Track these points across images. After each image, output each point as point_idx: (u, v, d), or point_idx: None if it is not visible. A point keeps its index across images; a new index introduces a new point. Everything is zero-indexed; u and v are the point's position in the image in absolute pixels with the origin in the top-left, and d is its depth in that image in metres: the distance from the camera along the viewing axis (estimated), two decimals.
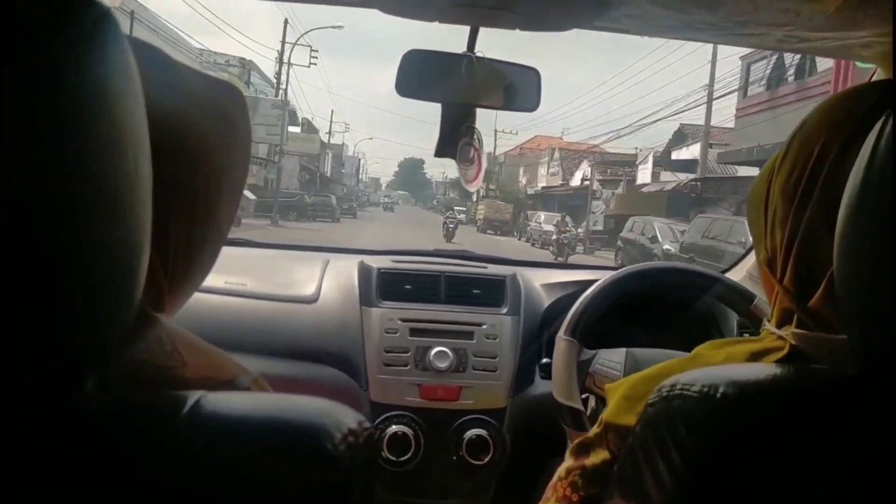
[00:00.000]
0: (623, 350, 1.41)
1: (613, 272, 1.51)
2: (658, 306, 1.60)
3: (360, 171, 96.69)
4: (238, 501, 0.41)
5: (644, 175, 30.18)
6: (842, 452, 0.53)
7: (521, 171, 53.82)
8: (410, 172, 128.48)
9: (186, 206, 0.59)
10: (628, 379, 0.78)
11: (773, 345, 0.68)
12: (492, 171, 50.82)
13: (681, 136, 30.89)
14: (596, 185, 31.26)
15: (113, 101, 0.39)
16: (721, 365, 0.69)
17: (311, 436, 0.43)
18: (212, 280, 1.68)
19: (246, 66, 34.61)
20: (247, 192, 27.46)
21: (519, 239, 33.95)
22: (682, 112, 28.96)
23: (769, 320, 0.73)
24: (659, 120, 28.46)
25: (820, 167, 0.64)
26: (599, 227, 28.63)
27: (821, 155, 0.64)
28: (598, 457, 0.77)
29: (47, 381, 0.40)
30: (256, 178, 33.78)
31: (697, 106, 23.50)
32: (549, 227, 27.58)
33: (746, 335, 1.63)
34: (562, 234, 22.62)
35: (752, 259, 1.82)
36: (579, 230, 27.02)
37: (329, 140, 56.98)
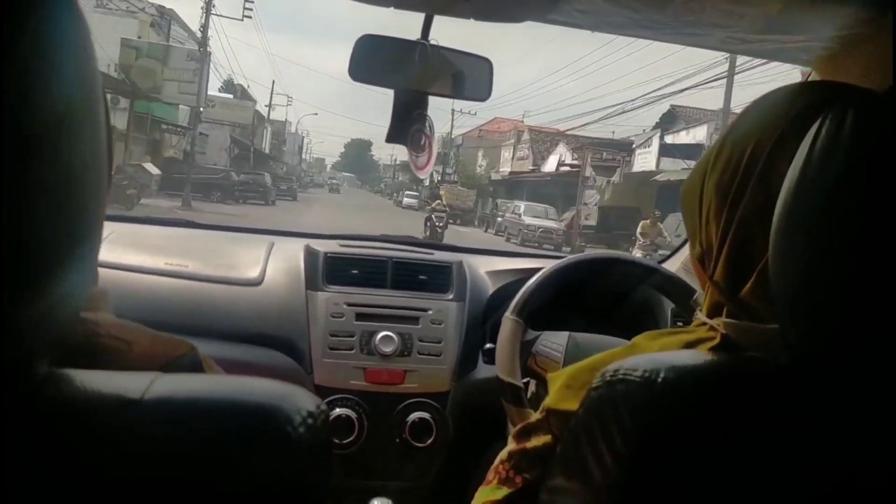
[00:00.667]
0: (566, 333, 1.46)
1: (558, 260, 1.55)
2: (599, 294, 1.65)
3: (304, 150, 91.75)
4: (198, 485, 0.41)
5: (645, 161, 25.27)
6: (774, 436, 0.57)
7: (481, 154, 49.20)
8: (357, 154, 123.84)
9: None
10: (570, 368, 0.80)
11: (706, 335, 0.71)
12: (448, 153, 49.00)
13: (671, 118, 26.82)
14: (588, 172, 26.41)
15: (80, 99, 0.39)
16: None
17: (270, 418, 0.44)
18: (151, 261, 1.66)
19: (165, 15, 29.52)
20: (148, 165, 23.44)
21: (486, 230, 30.96)
22: (672, 96, 26.14)
23: (700, 311, 0.76)
24: (648, 103, 26.16)
25: (753, 165, 0.67)
26: (592, 222, 24.23)
27: (754, 153, 0.67)
28: (541, 440, 0.79)
29: (3, 369, 0.39)
30: (176, 149, 30.27)
31: (687, 89, 20.25)
32: (535, 221, 24.23)
33: (680, 323, 1.70)
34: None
35: (687, 251, 1.89)
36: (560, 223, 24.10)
37: (269, 114, 51.76)
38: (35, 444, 0.40)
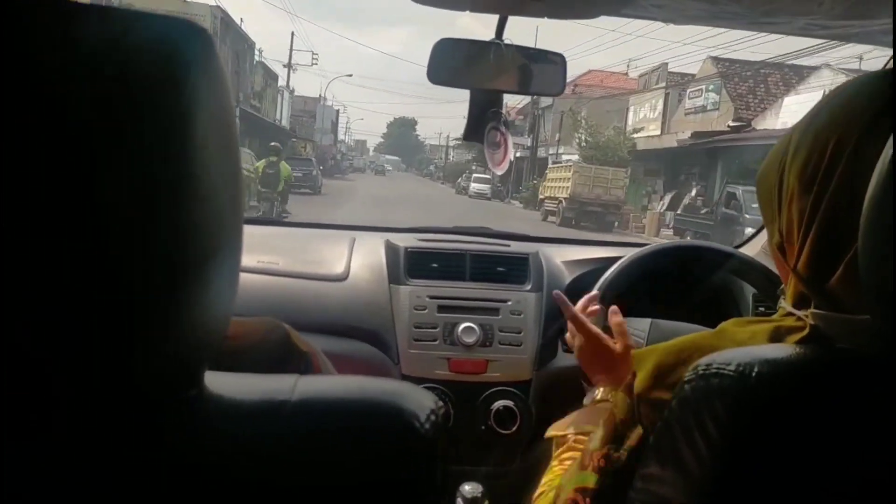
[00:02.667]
0: (648, 320, 1.48)
1: (637, 248, 1.56)
2: (680, 281, 1.66)
3: (342, 128, 76.65)
4: (341, 478, 0.46)
5: None
6: (869, 428, 0.58)
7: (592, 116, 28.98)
8: (401, 134, 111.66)
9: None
10: (656, 348, 0.80)
11: (795, 325, 0.72)
12: (536, 116, 37.75)
13: None
14: None
15: (215, 118, 0.44)
16: (745, 343, 0.73)
17: (401, 416, 0.49)
18: (245, 259, 1.74)
19: None
20: None
21: None
22: None
23: (785, 299, 0.76)
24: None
25: (839, 155, 0.66)
26: None
27: (840, 142, 0.66)
28: (631, 429, 0.81)
29: (170, 379, 0.45)
30: None
31: None
32: None
33: (762, 309, 1.69)
34: None
35: (763, 236, 1.87)
36: None
37: (289, 78, 39.61)
38: (200, 449, 0.46)
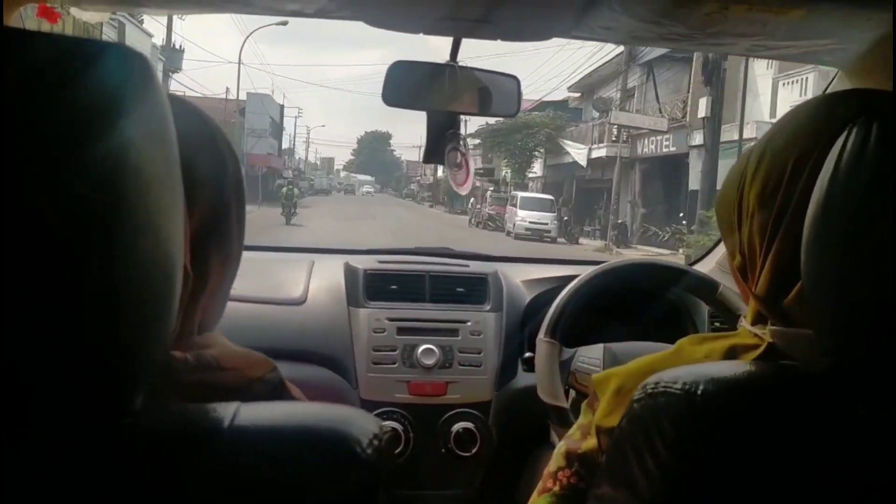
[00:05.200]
0: (601, 346, 1.49)
1: (589, 269, 1.57)
2: (632, 300, 1.67)
3: (302, 140, 65.32)
4: None
5: None
6: (814, 443, 0.59)
7: None
8: (374, 150, 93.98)
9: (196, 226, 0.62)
10: (616, 372, 0.81)
11: (751, 341, 0.72)
12: None
13: None
14: None
15: (155, 138, 0.43)
16: (701, 361, 0.74)
17: (342, 442, 0.48)
18: None
19: None
20: None
21: None
22: None
23: (744, 317, 0.77)
24: None
25: (797, 176, 0.67)
26: None
27: (797, 164, 0.67)
28: (591, 447, 0.81)
29: (98, 405, 0.44)
30: None
31: None
32: None
33: (717, 324, 1.71)
34: None
35: (721, 250, 1.90)
36: None
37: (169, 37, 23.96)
38: (132, 473, 0.45)
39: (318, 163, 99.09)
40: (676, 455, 0.59)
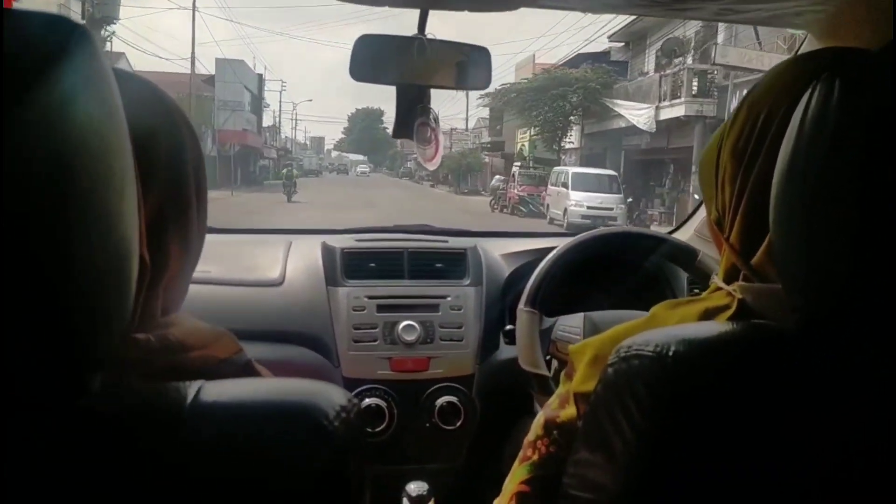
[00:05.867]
0: (581, 315, 1.49)
1: (567, 239, 1.58)
2: (612, 269, 1.68)
3: (288, 118, 61.32)
4: (245, 483, 0.45)
5: None
6: (784, 400, 0.59)
7: None
8: (366, 128, 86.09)
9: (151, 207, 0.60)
10: (591, 342, 0.82)
11: (723, 302, 0.73)
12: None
13: None
14: None
15: (99, 114, 0.42)
16: (674, 325, 0.74)
17: (307, 415, 0.48)
18: None
19: None
20: None
21: None
22: None
23: (717, 275, 0.78)
24: None
25: (766, 130, 0.68)
26: None
27: (767, 118, 0.69)
28: (569, 415, 0.82)
29: (53, 386, 0.43)
30: None
31: None
32: None
33: (697, 290, 1.72)
34: None
35: (699, 218, 1.91)
36: None
37: None
38: (91, 456, 0.44)
39: (308, 142, 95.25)
40: (651, 417, 0.60)
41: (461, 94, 42.10)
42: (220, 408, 0.47)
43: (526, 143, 29.59)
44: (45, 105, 0.38)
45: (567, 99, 23.62)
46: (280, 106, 57.35)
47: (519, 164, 25.96)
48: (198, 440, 0.45)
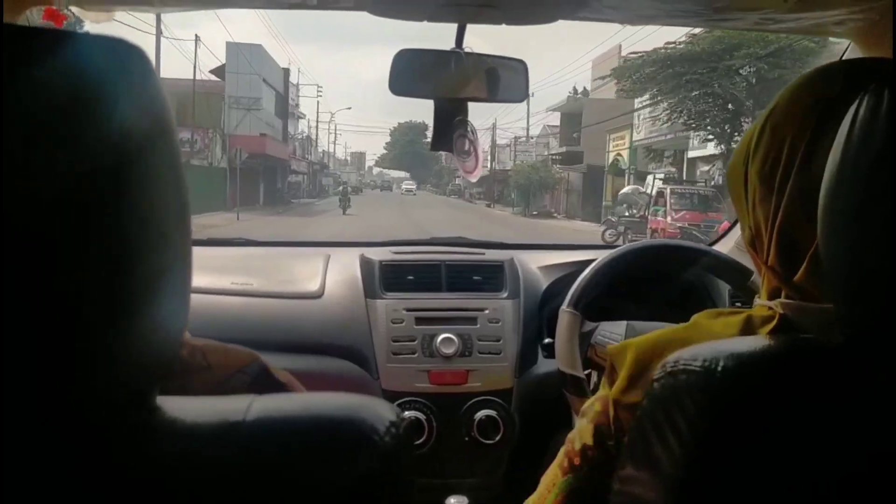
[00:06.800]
0: (624, 322, 1.48)
1: (611, 250, 1.57)
2: (654, 281, 1.66)
3: (325, 130, 57.48)
4: (299, 497, 0.46)
5: None
6: (834, 416, 0.58)
7: None
8: (409, 143, 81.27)
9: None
10: (630, 343, 0.81)
11: (765, 314, 0.73)
12: None
13: None
14: None
15: (155, 133, 0.43)
16: (717, 334, 0.74)
17: (358, 430, 0.48)
18: (218, 281, 1.75)
19: None
20: None
21: None
22: None
23: (759, 296, 0.77)
24: None
25: (794, 151, 0.68)
26: None
27: (794, 139, 0.68)
28: (608, 430, 0.81)
29: (118, 401, 0.44)
30: None
31: None
32: None
33: (738, 304, 1.70)
34: None
35: (738, 231, 1.88)
36: None
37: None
38: (152, 472, 0.45)
39: (348, 158, 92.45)
40: (699, 432, 0.59)
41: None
42: (273, 422, 0.48)
43: (624, 153, 24.71)
44: (105, 125, 0.40)
45: (742, 75, 16.45)
46: (317, 116, 50.61)
47: (678, 186, 18.48)
48: (253, 454, 0.46)
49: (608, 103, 26.86)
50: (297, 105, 39.60)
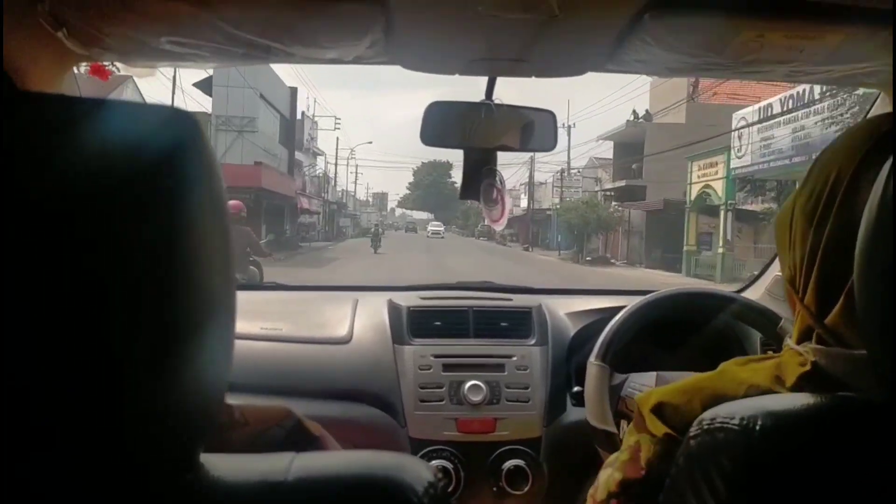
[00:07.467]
0: (653, 374, 1.46)
1: (640, 297, 1.56)
2: (683, 329, 1.65)
3: (344, 165, 49.82)
4: None
5: None
6: (875, 476, 0.57)
7: None
8: (433, 183, 78.70)
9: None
10: (658, 391, 0.81)
11: (795, 360, 0.72)
12: None
13: None
14: None
15: (207, 202, 0.45)
16: (745, 381, 0.73)
17: (399, 490, 0.48)
18: (248, 327, 1.76)
19: None
20: None
21: None
22: None
23: (790, 337, 0.77)
24: None
25: (836, 190, 0.69)
26: None
27: (837, 179, 0.69)
28: (634, 473, 0.80)
29: (165, 461, 0.45)
30: None
31: None
32: None
33: (770, 352, 1.67)
34: None
35: (769, 277, 1.86)
36: None
37: None
38: None
39: (370, 199, 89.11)
40: (735, 492, 0.59)
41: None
42: (314, 480, 0.48)
43: (717, 185, 19.10)
44: (161, 192, 0.41)
45: None
46: (336, 150, 47.85)
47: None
48: None
49: (679, 128, 22.69)
50: (313, 139, 35.80)
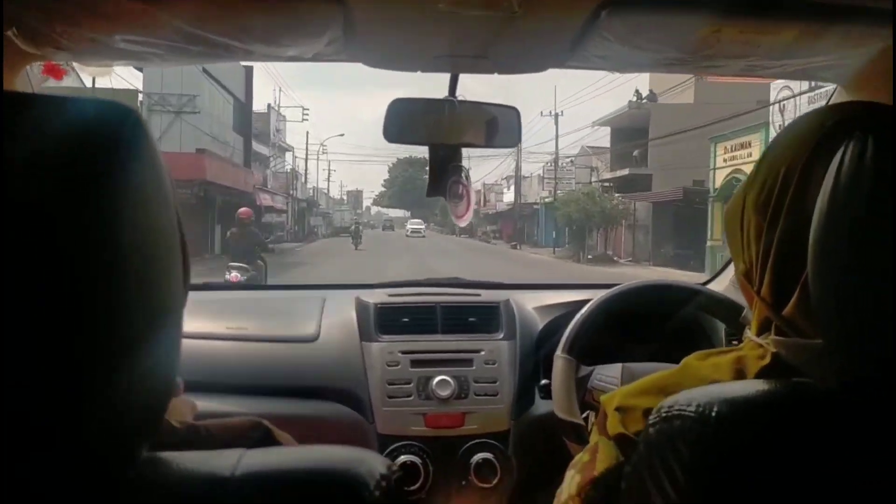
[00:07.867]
0: (619, 365, 1.48)
1: (605, 290, 1.57)
2: (649, 320, 1.67)
3: (314, 158, 46.07)
4: None
5: None
6: (829, 462, 0.59)
7: None
8: (409, 179, 73.70)
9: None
10: (622, 390, 0.81)
11: (755, 352, 0.73)
12: None
13: None
14: None
15: (151, 196, 0.44)
16: (708, 375, 0.74)
17: (348, 485, 0.48)
18: (213, 326, 1.74)
19: None
20: None
21: None
22: None
23: (750, 328, 0.78)
24: None
25: (787, 185, 0.69)
26: None
27: (787, 174, 0.69)
28: (603, 466, 0.80)
29: (105, 457, 0.44)
30: None
31: None
32: None
33: (735, 342, 1.70)
34: None
35: (733, 269, 1.89)
36: None
37: None
38: None
39: (345, 197, 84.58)
40: (694, 478, 0.60)
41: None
42: (262, 476, 0.48)
43: (747, 168, 13.99)
44: (102, 188, 0.40)
45: None
46: (307, 144, 42.40)
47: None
48: None
49: (688, 109, 20.22)
50: (280, 132, 33.65)
